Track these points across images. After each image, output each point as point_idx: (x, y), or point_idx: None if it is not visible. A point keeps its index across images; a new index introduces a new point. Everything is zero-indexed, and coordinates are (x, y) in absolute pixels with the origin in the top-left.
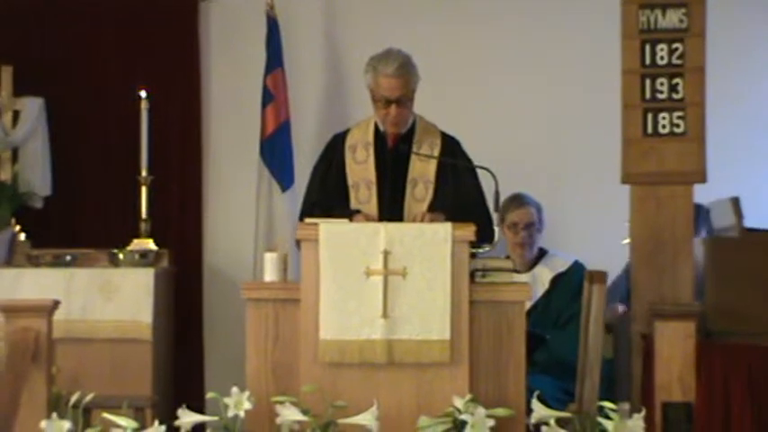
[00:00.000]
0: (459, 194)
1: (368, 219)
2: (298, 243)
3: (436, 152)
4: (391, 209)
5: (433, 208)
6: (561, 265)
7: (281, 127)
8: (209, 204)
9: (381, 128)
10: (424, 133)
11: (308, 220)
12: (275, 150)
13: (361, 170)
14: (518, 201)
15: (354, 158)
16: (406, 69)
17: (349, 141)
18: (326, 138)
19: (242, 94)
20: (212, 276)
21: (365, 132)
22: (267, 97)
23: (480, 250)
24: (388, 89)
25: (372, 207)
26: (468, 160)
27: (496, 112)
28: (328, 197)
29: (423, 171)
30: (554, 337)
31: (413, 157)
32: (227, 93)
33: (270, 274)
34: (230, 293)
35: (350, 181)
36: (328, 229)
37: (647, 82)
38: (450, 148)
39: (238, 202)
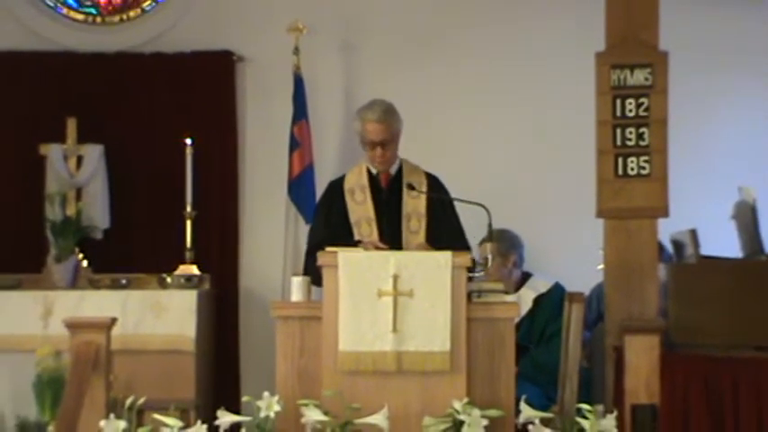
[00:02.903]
0: (446, 226)
1: (373, 244)
2: (320, 269)
3: (423, 189)
4: (391, 241)
5: (427, 239)
6: (543, 286)
7: (305, 169)
8: (244, 235)
9: (372, 169)
10: (410, 173)
11: (328, 249)
12: (301, 189)
13: (361, 209)
14: (496, 236)
15: (354, 200)
16: (388, 115)
17: (347, 186)
18: None
19: (272, 141)
20: (247, 297)
21: (359, 177)
22: (294, 144)
23: (476, 274)
24: (373, 132)
25: (374, 240)
26: (448, 194)
27: (490, 156)
28: (333, 233)
29: (415, 206)
30: (541, 351)
31: (405, 194)
32: (260, 140)
33: (296, 295)
34: (262, 312)
35: (352, 219)
36: (346, 256)
37: (618, 131)
38: (434, 184)
39: (269, 234)
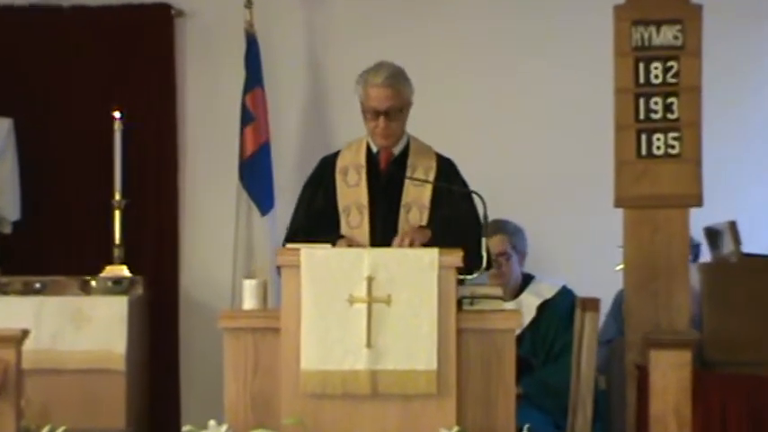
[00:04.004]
0: (454, 220)
1: (351, 244)
2: (278, 269)
3: (431, 175)
4: (384, 234)
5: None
6: (548, 291)
7: (260, 148)
8: (185, 229)
9: (372, 145)
10: (418, 155)
11: (288, 246)
12: (255, 173)
13: (352, 194)
14: (491, 228)
15: (346, 182)
16: (396, 80)
17: (340, 164)
18: (308, 160)
19: (220, 114)
20: (188, 304)
21: (356, 154)
22: (246, 117)
23: (469, 277)
24: (377, 99)
25: (364, 232)
26: (464, 184)
27: (481, 132)
28: (313, 223)
29: (417, 195)
30: (548, 369)
31: (407, 180)
32: (205, 113)
33: (249, 302)
34: (207, 322)
35: (340, 205)
36: (310, 254)
37: (641, 101)
38: (446, 170)
39: (216, 227)
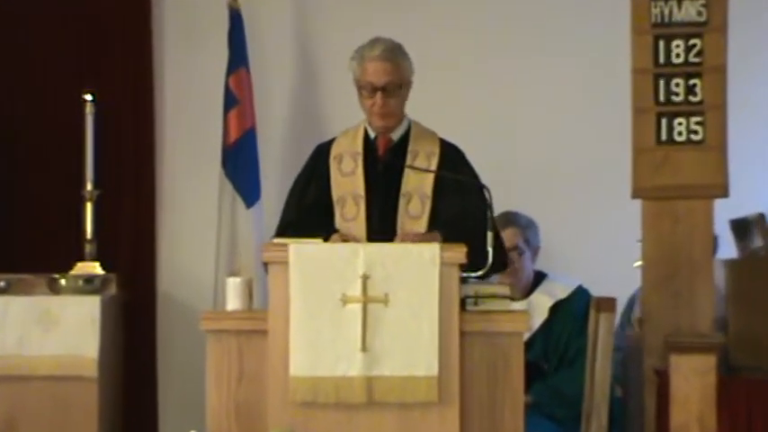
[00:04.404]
0: (459, 212)
1: (345, 239)
2: (265, 266)
3: (434, 162)
4: (382, 227)
5: (430, 226)
6: (562, 290)
7: (245, 135)
8: (163, 223)
9: (370, 130)
10: (419, 140)
11: (276, 240)
12: (239, 161)
13: (347, 183)
14: (500, 221)
15: (340, 170)
16: (394, 54)
17: (334, 151)
18: (297, 147)
19: (201, 97)
20: (167, 305)
21: (353, 140)
22: (230, 101)
23: (473, 275)
24: (374, 74)
25: (360, 224)
26: (473, 173)
27: (487, 117)
28: (305, 216)
29: (418, 184)
30: (560, 375)
31: (407, 167)
32: (185, 96)
33: (233, 302)
34: (188, 324)
35: (335, 196)
36: (299, 250)
37: (661, 83)
38: (451, 158)
39: (197, 220)
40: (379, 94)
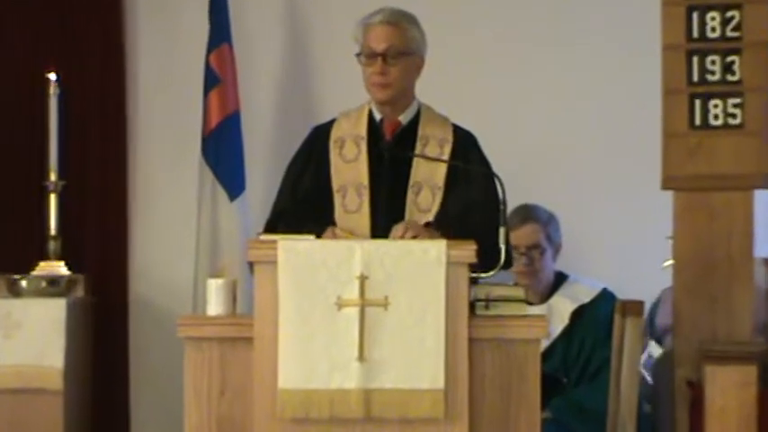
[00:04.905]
0: (469, 205)
1: (341, 235)
2: (250, 266)
3: (447, 150)
4: (388, 221)
5: (436, 220)
6: (585, 294)
7: (228, 118)
8: (136, 217)
9: (375, 112)
10: (430, 126)
11: (263, 237)
12: (221, 148)
13: (349, 170)
14: (518, 216)
15: (342, 156)
16: (399, 18)
17: (335, 134)
18: (286, 133)
19: (178, 76)
20: (141, 309)
21: (356, 123)
22: (211, 80)
23: (483, 275)
24: (375, 38)
25: (363, 217)
26: (485, 162)
27: (503, 101)
28: (300, 207)
29: (429, 173)
30: (582, 389)
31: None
32: (160, 74)
33: (214, 306)
34: (164, 331)
35: (335, 185)
36: (289, 247)
37: (695, 60)
38: (464, 145)
39: (174, 215)
40: (378, 60)
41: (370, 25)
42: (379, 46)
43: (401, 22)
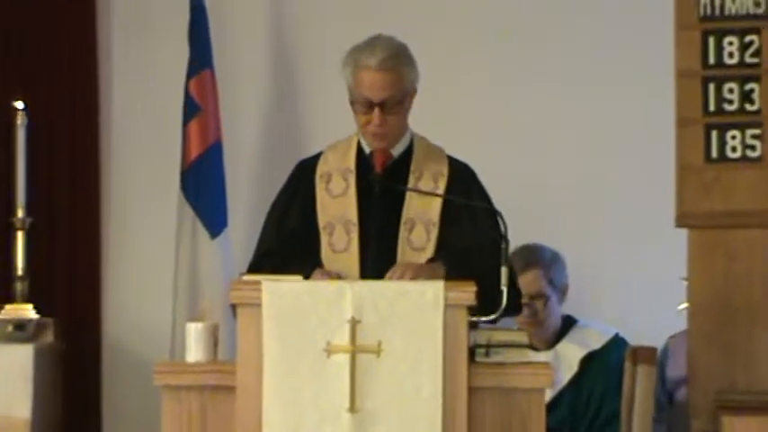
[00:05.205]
0: (468, 243)
1: (330, 276)
2: (233, 309)
3: (442, 184)
4: (379, 260)
5: (434, 259)
6: (596, 339)
7: (209, 150)
8: (110, 257)
9: (364, 146)
10: (425, 158)
11: (246, 277)
12: (202, 182)
13: (337, 206)
14: (519, 261)
15: (328, 191)
16: (396, 61)
17: (321, 169)
18: (271, 166)
19: (156, 104)
20: (115, 355)
21: (344, 156)
22: (191, 109)
23: (484, 319)
24: (371, 87)
25: (352, 257)
26: (486, 197)
27: (509, 134)
28: (286, 245)
29: (423, 208)
30: None
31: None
32: (136, 103)
33: (194, 352)
34: (140, 378)
35: (321, 221)
36: (275, 288)
37: (711, 88)
38: (462, 179)
39: (151, 254)
40: (376, 111)
41: (364, 70)
42: (377, 96)
43: (397, 66)
